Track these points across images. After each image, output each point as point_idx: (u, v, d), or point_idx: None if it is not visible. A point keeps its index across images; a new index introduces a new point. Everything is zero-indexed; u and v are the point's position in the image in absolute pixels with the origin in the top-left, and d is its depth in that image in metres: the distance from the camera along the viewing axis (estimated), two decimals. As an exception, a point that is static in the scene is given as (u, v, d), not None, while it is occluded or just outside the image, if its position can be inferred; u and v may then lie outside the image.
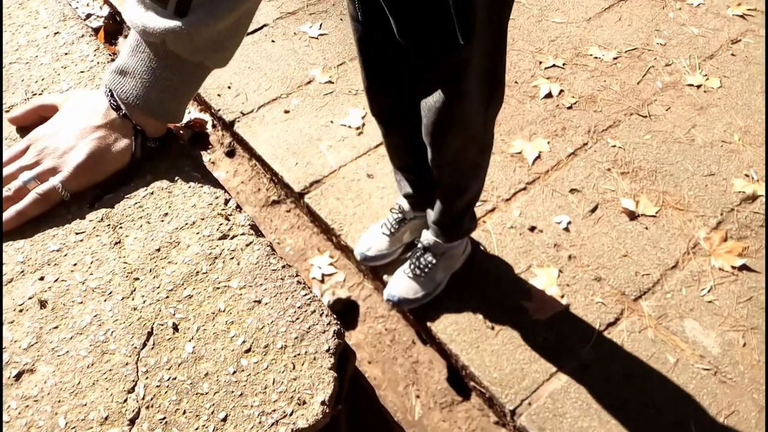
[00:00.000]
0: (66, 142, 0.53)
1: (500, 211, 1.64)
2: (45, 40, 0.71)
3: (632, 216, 1.60)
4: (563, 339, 1.39)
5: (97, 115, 0.54)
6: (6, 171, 0.53)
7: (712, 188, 1.66)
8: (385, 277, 1.54)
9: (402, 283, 1.44)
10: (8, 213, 0.51)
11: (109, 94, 0.55)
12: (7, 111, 0.62)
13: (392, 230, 1.51)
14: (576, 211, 1.62)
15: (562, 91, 1.94)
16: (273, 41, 2.29)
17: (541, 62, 2.04)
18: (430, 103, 1.03)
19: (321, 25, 2.33)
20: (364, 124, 1.88)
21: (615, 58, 2.05)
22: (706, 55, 2.04)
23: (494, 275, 1.51)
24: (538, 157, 1.75)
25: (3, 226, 0.51)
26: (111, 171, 0.55)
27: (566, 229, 1.58)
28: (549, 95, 1.93)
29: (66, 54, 0.69)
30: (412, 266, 1.44)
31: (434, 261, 1.42)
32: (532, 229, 1.59)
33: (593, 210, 1.62)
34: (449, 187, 1.22)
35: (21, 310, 0.47)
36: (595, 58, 2.05)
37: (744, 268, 1.49)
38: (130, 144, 0.55)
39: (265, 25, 2.37)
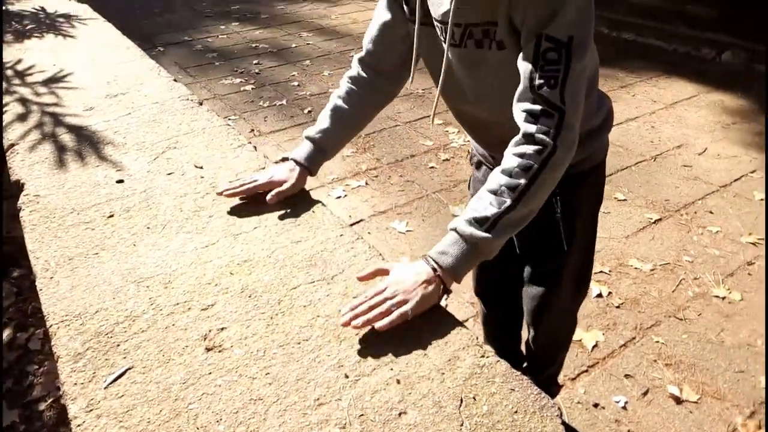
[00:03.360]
0: (409, 287, 0.96)
1: (567, 388, 1.99)
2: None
3: (678, 401, 1.94)
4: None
5: (422, 275, 0.98)
6: (373, 301, 0.95)
7: (744, 383, 2.01)
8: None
9: None
10: (381, 322, 0.91)
11: (433, 264, 0.98)
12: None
13: None
14: (631, 393, 1.97)
15: (610, 292, 2.39)
16: (369, 233, 2.84)
17: (591, 268, 2.52)
18: (532, 293, 1.46)
19: (407, 223, 2.90)
20: (446, 305, 2.32)
21: (652, 270, 2.52)
22: (727, 273, 2.51)
23: (567, 441, 1.83)
24: (596, 345, 2.14)
25: (383, 328, 0.92)
26: (431, 306, 0.98)
27: (624, 408, 1.92)
28: (600, 295, 2.38)
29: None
30: None
31: None
32: (596, 405, 1.93)
33: (645, 393, 1.97)
34: (542, 358, 1.61)
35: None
36: (635, 268, 2.53)
37: (777, 453, 1.79)
38: (439, 292, 0.98)
39: (361, 220, 2.95)
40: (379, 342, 0.93)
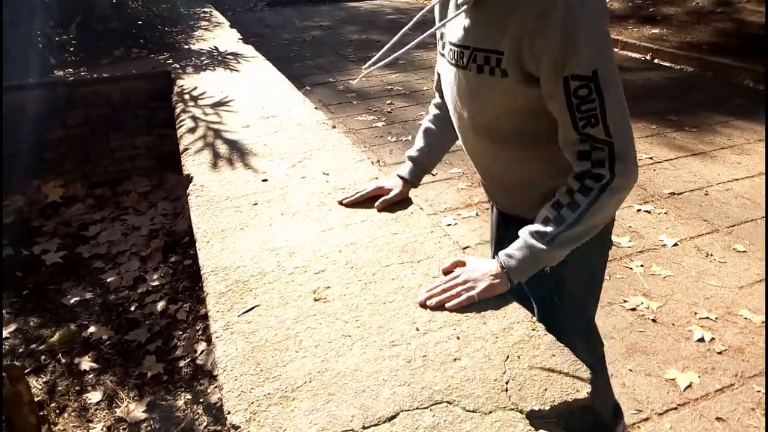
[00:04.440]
0: (479, 276, 1.15)
1: (653, 422, 2.01)
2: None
3: (773, 452, 1.88)
4: None
5: (491, 269, 1.15)
6: (447, 285, 1.15)
7: None
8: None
9: None
10: (451, 303, 1.12)
11: (501, 263, 1.15)
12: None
13: None
14: (721, 435, 1.94)
15: (713, 338, 2.36)
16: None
17: (696, 313, 2.50)
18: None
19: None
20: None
21: (763, 322, 2.44)
22: None
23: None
24: (689, 386, 2.13)
25: (452, 308, 1.12)
26: (496, 294, 1.15)
27: (711, 449, 1.90)
28: (701, 340, 2.35)
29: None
30: None
31: None
32: (681, 441, 1.93)
33: (737, 438, 1.93)
34: None
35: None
36: (745, 318, 2.46)
37: None
38: (506, 285, 1.15)
39: (467, 247, 3.13)
40: (448, 311, 1.13)
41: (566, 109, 1.04)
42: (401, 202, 1.58)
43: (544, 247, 1.10)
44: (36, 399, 2.01)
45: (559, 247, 1.11)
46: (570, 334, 1.41)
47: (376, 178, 1.76)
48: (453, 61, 1.21)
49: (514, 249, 1.15)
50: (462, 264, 1.24)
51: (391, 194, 1.55)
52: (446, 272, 1.25)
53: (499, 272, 1.16)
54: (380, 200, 1.55)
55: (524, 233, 1.14)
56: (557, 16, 0.97)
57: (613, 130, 1.03)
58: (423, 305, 1.15)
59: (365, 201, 1.58)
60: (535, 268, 1.15)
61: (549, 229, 1.10)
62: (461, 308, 1.13)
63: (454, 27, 1.19)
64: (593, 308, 1.51)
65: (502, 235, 1.48)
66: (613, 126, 1.03)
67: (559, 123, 1.08)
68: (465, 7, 1.12)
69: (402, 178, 1.57)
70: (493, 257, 1.60)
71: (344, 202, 1.59)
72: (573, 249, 1.14)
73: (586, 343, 1.50)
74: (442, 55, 1.30)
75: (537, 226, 1.13)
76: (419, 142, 1.55)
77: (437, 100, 1.54)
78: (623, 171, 1.05)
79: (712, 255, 2.93)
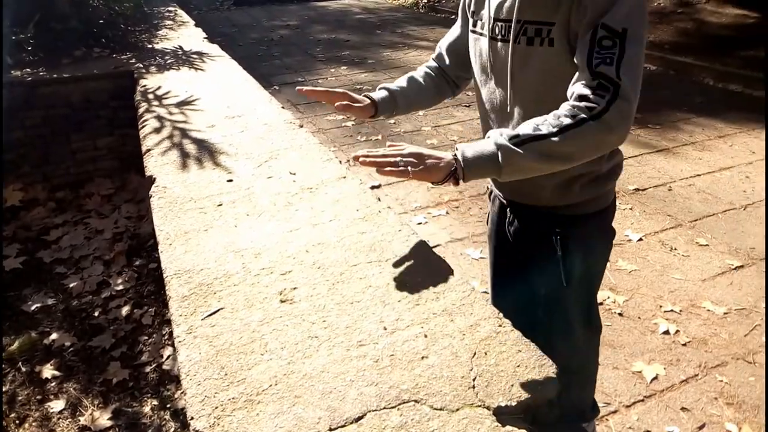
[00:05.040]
0: (423, 157, 1.05)
1: (621, 414, 2.04)
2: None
3: (736, 439, 1.93)
4: None
5: (440, 155, 1.06)
6: (388, 152, 1.07)
7: (811, 431, 1.95)
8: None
9: None
10: (385, 168, 1.03)
11: (455, 152, 1.07)
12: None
13: None
14: (686, 425, 1.98)
15: (678, 330, 2.41)
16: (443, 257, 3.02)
17: (661, 306, 2.55)
18: (543, 318, 1.50)
19: (481, 251, 3.05)
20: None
21: (725, 313, 2.50)
22: (808, 324, 2.43)
23: (613, 462, 1.87)
24: (655, 377, 2.17)
25: (383, 173, 1.04)
26: (431, 179, 1.06)
27: (677, 439, 1.94)
28: (667, 332, 2.39)
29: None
30: None
31: None
32: (647, 432, 1.96)
33: (701, 428, 1.97)
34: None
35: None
36: (708, 310, 2.52)
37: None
38: (447, 175, 1.05)
39: (438, 245, 3.14)
40: (416, 310, 1.12)
41: (587, 49, 1.04)
42: (370, 202, 1.56)
43: (507, 143, 1.02)
44: (-6, 410, 1.95)
45: (524, 155, 1.02)
46: (573, 323, 1.45)
47: (344, 177, 1.74)
48: (497, 36, 1.21)
49: (476, 143, 1.07)
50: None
51: (356, 105, 1.38)
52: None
53: (447, 161, 1.06)
54: (343, 102, 1.35)
55: (494, 132, 1.08)
56: None
57: (623, 73, 1.01)
58: (356, 159, 1.09)
59: (325, 96, 1.39)
60: (490, 168, 1.04)
61: (520, 131, 1.04)
62: (430, 308, 1.12)
63: (494, 2, 1.21)
64: (595, 297, 1.51)
65: (502, 231, 1.48)
66: (625, 71, 1.01)
67: (578, 65, 1.06)
68: None
69: (369, 98, 1.43)
70: (494, 257, 1.56)
71: (305, 90, 1.40)
72: (585, 241, 1.16)
73: (586, 332, 1.53)
74: (474, 31, 1.31)
75: (509, 130, 1.07)
76: (401, 82, 1.49)
77: (432, 63, 1.52)
78: (619, 109, 1.00)
79: (675, 249, 2.99)
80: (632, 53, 1.02)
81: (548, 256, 1.33)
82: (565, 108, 1.04)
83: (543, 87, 1.18)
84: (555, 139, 1.00)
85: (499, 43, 1.22)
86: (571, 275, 1.33)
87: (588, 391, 1.71)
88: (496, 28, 1.22)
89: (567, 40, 1.11)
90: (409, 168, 1.04)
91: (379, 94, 1.44)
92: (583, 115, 1.00)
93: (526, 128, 1.04)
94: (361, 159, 1.09)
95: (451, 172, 1.06)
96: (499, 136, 1.05)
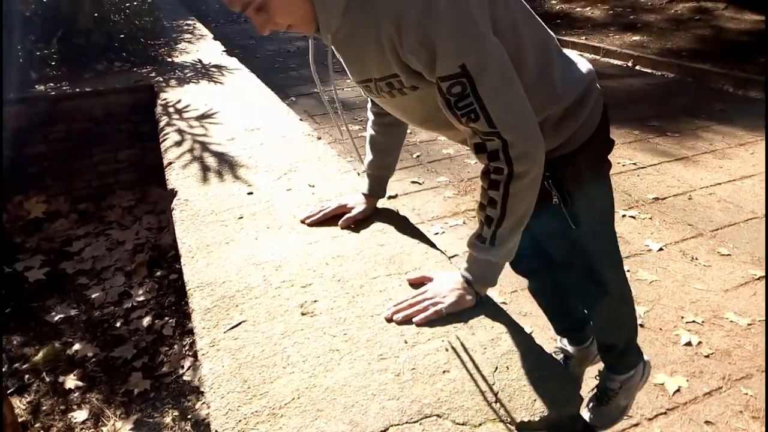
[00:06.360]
0: (446, 291, 1.16)
1: (643, 427, 2.01)
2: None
3: (762, 454, 1.89)
4: None
5: (457, 283, 1.18)
6: (414, 300, 1.16)
7: (840, 446, 1.91)
8: None
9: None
10: (418, 317, 1.12)
11: (465, 276, 1.18)
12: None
13: None
14: (710, 439, 1.95)
15: (700, 342, 2.37)
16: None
17: (682, 317, 2.51)
18: (568, 279, 1.53)
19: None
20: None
21: (749, 324, 2.46)
22: (835, 335, 2.38)
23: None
24: (678, 390, 2.14)
25: (420, 322, 1.12)
26: (464, 307, 1.16)
27: (701, 453, 1.90)
28: (689, 344, 2.36)
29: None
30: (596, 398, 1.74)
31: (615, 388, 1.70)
32: (671, 446, 1.93)
33: (726, 442, 1.94)
34: (602, 336, 1.63)
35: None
36: (731, 321, 2.48)
37: None
38: (473, 297, 1.17)
39: (455, 255, 3.13)
40: (437, 323, 1.13)
41: (447, 109, 1.03)
42: (388, 213, 1.57)
43: (490, 248, 1.13)
44: (20, 419, 1.97)
45: (504, 243, 1.12)
46: (598, 269, 1.44)
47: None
48: (370, 90, 1.23)
49: (469, 264, 1.19)
50: (429, 279, 1.25)
51: (354, 212, 1.55)
52: (412, 284, 1.26)
53: (465, 286, 1.19)
54: (344, 218, 1.54)
55: (469, 246, 1.18)
56: (412, 18, 0.95)
57: (496, 121, 0.99)
58: (389, 320, 1.14)
59: (329, 219, 1.55)
60: (494, 271, 1.19)
61: (485, 231, 1.12)
62: (451, 322, 1.12)
63: (348, 69, 1.24)
64: (613, 238, 1.46)
65: None
66: (496, 116, 0.99)
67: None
68: (331, 49, 1.17)
69: (365, 194, 1.59)
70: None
71: (307, 221, 1.56)
72: (579, 176, 1.21)
73: (615, 274, 1.50)
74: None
75: (475, 234, 1.16)
76: (369, 154, 1.56)
77: (372, 105, 1.52)
78: (519, 157, 1.01)
79: (697, 259, 2.96)
80: (488, 90, 0.97)
81: (548, 205, 1.27)
82: (486, 181, 1.09)
83: (425, 112, 1.19)
84: (509, 218, 1.08)
85: (375, 94, 1.23)
86: (577, 217, 1.29)
87: (632, 333, 1.65)
88: (362, 88, 1.25)
89: (422, 78, 1.05)
90: (442, 308, 1.15)
91: (365, 184, 1.58)
92: (503, 185, 1.05)
93: (484, 225, 1.12)
94: (394, 318, 1.15)
95: (476, 294, 1.19)
96: (475, 249, 1.15)
